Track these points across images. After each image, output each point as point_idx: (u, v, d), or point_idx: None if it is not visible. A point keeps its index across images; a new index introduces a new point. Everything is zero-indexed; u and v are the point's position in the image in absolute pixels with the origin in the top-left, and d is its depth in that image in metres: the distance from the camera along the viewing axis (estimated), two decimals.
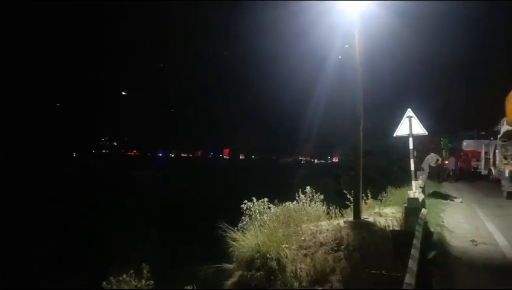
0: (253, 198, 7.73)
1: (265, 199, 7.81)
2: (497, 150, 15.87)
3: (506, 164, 12.50)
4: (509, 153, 11.73)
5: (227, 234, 6.60)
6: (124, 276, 5.97)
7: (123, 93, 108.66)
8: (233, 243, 6.44)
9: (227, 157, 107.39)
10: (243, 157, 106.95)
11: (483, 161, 21.29)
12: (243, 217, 7.48)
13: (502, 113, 12.60)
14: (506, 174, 12.98)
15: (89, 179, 37.56)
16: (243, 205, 7.61)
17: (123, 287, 5.90)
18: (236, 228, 6.91)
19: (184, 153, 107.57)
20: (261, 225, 6.96)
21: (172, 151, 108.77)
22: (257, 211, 7.57)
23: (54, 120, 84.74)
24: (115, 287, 5.86)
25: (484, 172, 20.91)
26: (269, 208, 7.77)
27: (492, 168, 18.14)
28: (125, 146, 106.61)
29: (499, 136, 14.56)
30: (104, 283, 5.92)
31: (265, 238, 6.25)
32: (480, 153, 22.06)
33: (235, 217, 7.50)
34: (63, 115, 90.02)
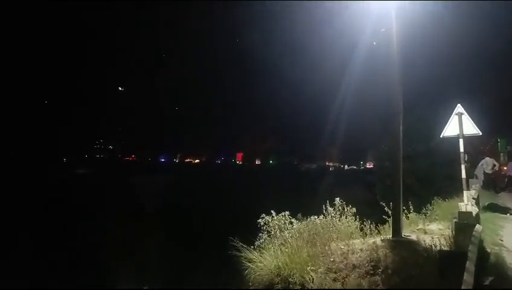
0: (272, 211, 7.70)
1: (287, 213, 7.76)
2: None
3: None
4: None
5: (242, 254, 6.59)
6: None
7: (120, 88, 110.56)
8: (249, 264, 6.43)
9: (240, 162, 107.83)
10: (260, 163, 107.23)
11: None
12: (260, 234, 7.45)
13: None
14: None
15: (73, 190, 37.62)
16: (259, 220, 7.58)
17: None
18: (252, 247, 6.90)
19: (190, 158, 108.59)
20: (281, 244, 6.94)
21: (176, 156, 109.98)
22: (277, 227, 7.52)
23: (40, 120, 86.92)
24: None
25: None
26: (291, 223, 7.72)
27: None
28: (123, 150, 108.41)
29: None
30: None
31: (287, 259, 6.21)
32: None
33: (250, 233, 7.49)
34: (52, 114, 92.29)
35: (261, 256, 6.52)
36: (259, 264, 6.34)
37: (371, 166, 38.87)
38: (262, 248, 6.91)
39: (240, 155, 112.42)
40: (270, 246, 6.96)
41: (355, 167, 79.97)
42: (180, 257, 14.39)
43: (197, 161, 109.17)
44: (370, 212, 8.92)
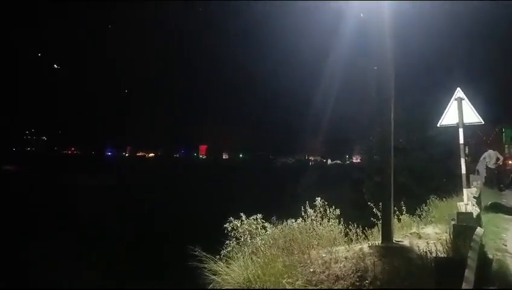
0: (242, 214, 7.70)
1: (259, 216, 7.79)
2: None
3: None
4: None
5: (205, 265, 6.57)
6: None
7: (55, 66, 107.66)
8: (214, 277, 6.41)
9: (204, 156, 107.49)
10: (227, 157, 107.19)
11: None
12: (228, 241, 7.46)
13: None
14: None
15: None
16: (226, 225, 7.59)
17: None
18: (218, 257, 6.90)
19: (143, 152, 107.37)
20: (252, 252, 6.96)
21: (126, 149, 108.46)
22: (247, 233, 7.56)
23: None
24: None
25: None
26: (264, 228, 7.76)
27: None
28: (60, 142, 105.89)
29: None
30: None
31: (259, 270, 6.24)
32: None
33: (216, 241, 7.49)
34: None
35: (228, 267, 6.53)
36: (225, 277, 6.34)
37: (358, 160, 39.45)
38: (230, 258, 6.92)
39: (203, 148, 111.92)
40: (239, 255, 6.97)
41: (339, 162, 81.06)
42: (134, 270, 14.26)
43: (151, 154, 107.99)
44: (357, 215, 9.08)
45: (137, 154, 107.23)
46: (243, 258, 6.74)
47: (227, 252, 7.16)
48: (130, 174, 52.27)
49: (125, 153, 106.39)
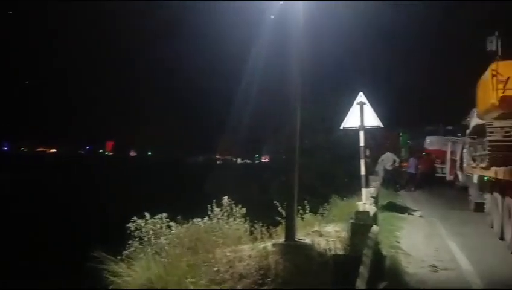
0: (146, 213, 7.56)
1: (164, 215, 7.69)
2: (464, 150, 17.59)
3: (474, 167, 13.78)
4: (478, 154, 12.88)
5: (106, 266, 6.37)
6: None
7: None
8: (115, 278, 6.24)
9: (111, 152, 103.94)
10: (135, 154, 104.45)
11: (448, 164, 23.49)
12: (131, 242, 7.29)
13: (472, 103, 13.90)
14: (475, 181, 14.42)
15: None
16: (130, 225, 7.40)
17: None
18: (120, 257, 6.72)
19: (43, 147, 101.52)
20: (156, 252, 6.85)
21: (24, 143, 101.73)
22: (151, 233, 7.42)
23: None
24: None
25: (449, 177, 23.12)
26: (169, 227, 7.67)
27: (459, 172, 20.13)
28: None
29: (467, 131, 16.08)
30: None
31: (162, 270, 6.16)
32: (445, 153, 24.27)
33: (118, 241, 7.29)
34: None
35: (129, 268, 6.37)
36: (127, 278, 6.19)
37: (267, 160, 40.24)
38: (132, 259, 6.76)
39: (110, 145, 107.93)
40: (142, 255, 6.84)
41: (249, 161, 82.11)
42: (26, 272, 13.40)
43: (52, 150, 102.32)
44: (263, 213, 9.23)
45: (37, 149, 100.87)
46: (146, 258, 6.62)
47: (130, 252, 7.00)
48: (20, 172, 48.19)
49: (23, 148, 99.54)
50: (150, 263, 6.42)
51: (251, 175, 35.68)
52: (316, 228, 8.78)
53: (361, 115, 10.18)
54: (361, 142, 10.22)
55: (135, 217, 7.49)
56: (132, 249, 7.12)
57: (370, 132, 12.13)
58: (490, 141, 10.32)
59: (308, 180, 16.04)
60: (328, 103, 20.94)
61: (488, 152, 10.50)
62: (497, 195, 10.66)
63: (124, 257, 6.82)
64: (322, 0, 10.11)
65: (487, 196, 12.50)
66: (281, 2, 8.27)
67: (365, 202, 9.34)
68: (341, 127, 10.61)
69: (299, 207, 8.48)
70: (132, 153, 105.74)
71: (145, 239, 7.35)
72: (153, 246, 7.17)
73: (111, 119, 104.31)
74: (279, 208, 8.46)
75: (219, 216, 8.10)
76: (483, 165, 11.66)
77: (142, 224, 7.43)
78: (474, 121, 14.02)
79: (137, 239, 7.32)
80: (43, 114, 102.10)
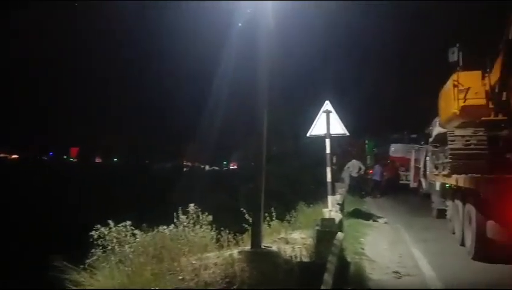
0: (110, 221, 7.42)
1: (128, 223, 7.57)
2: (427, 158, 18.03)
3: (436, 175, 14.14)
4: (440, 162, 13.24)
5: (67, 276, 6.23)
6: None
7: None
8: (76, 288, 6.11)
9: (75, 159, 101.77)
10: (100, 161, 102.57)
11: (412, 171, 24.00)
12: (94, 250, 7.14)
13: (434, 113, 14.30)
14: (437, 188, 14.83)
15: None
16: (93, 233, 7.26)
17: None
18: (82, 266, 6.58)
19: (4, 153, 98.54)
20: (120, 261, 6.74)
21: None
22: (115, 241, 7.29)
23: None
24: None
25: (413, 184, 23.61)
26: (134, 235, 7.56)
27: (422, 179, 20.58)
28: None
29: (430, 140, 16.52)
30: None
31: (126, 279, 6.06)
32: (409, 160, 24.81)
33: (81, 250, 7.14)
34: None
35: (92, 277, 6.24)
36: (88, 287, 6.06)
37: (235, 167, 40.24)
38: (95, 268, 6.62)
39: (74, 151, 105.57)
40: (105, 264, 6.71)
41: (217, 168, 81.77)
42: None
43: (14, 156, 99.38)
44: (230, 221, 9.20)
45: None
46: (109, 267, 6.50)
47: (92, 261, 6.85)
48: None
49: None
50: (113, 271, 6.31)
51: (219, 181, 35.58)
52: (282, 235, 8.81)
53: (327, 123, 10.33)
54: (328, 150, 10.36)
55: (98, 225, 7.36)
56: (95, 257, 6.96)
57: (336, 140, 12.31)
58: (451, 149, 10.57)
59: (276, 187, 16.11)
60: (296, 109, 21.12)
61: (450, 160, 10.75)
62: (458, 202, 10.94)
63: (86, 266, 6.66)
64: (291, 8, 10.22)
65: (449, 202, 12.83)
66: (249, 10, 8.30)
67: (331, 209, 9.44)
68: (308, 135, 10.71)
69: (266, 214, 8.49)
70: (98, 159, 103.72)
71: (109, 247, 7.21)
72: (116, 255, 7.03)
73: (76, 125, 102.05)
74: (246, 215, 8.44)
75: (185, 224, 8.02)
76: (445, 172, 11.96)
77: (106, 232, 7.29)
78: (436, 129, 14.38)
79: (100, 247, 7.18)
80: (3, 119, 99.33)
